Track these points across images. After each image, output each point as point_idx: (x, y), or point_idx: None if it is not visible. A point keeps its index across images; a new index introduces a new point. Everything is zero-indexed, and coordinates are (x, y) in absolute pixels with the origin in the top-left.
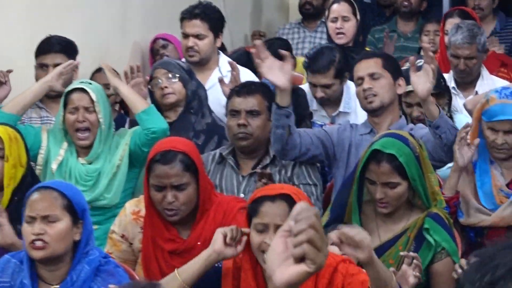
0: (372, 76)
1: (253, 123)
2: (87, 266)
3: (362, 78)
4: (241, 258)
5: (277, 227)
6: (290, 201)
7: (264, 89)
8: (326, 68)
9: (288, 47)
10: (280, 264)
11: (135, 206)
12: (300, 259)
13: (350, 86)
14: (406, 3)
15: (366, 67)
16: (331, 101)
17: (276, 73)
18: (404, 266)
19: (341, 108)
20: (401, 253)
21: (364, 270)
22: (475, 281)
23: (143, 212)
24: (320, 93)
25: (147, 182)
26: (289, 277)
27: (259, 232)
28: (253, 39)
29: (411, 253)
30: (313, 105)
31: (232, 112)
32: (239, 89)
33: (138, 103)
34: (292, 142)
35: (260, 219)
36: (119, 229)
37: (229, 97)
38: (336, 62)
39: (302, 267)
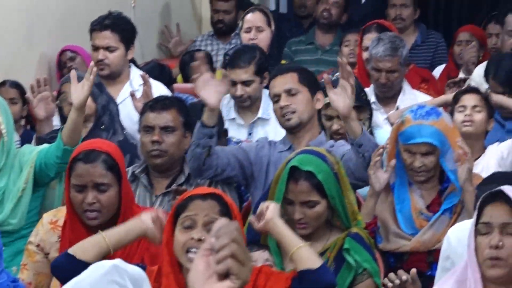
0: (289, 92)
1: (168, 139)
2: None
3: (278, 95)
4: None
5: (206, 223)
6: (221, 201)
7: (179, 104)
8: (247, 63)
9: (210, 59)
10: (204, 283)
11: (53, 216)
12: (224, 275)
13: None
14: (325, 14)
15: (282, 82)
16: (250, 106)
17: (210, 90)
18: None
19: (259, 114)
20: None
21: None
22: None
23: (60, 222)
24: (240, 91)
25: (68, 183)
26: None
27: (185, 229)
28: (165, 37)
29: None
30: (230, 114)
31: (146, 128)
32: (153, 104)
33: (77, 136)
34: (209, 163)
35: (188, 212)
36: (35, 239)
37: (142, 112)
38: (257, 58)
39: (227, 284)
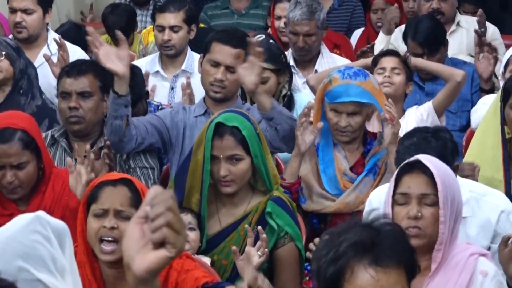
0: (228, 68)
1: (85, 105)
2: None
3: (218, 64)
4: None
5: (117, 212)
6: (131, 186)
7: (96, 68)
8: (177, 9)
9: (132, 19)
10: (139, 251)
11: None
12: (160, 244)
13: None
14: None
15: (229, 55)
16: (174, 58)
17: (114, 60)
18: (248, 247)
19: (183, 67)
20: (245, 226)
21: (199, 267)
22: (321, 258)
23: None
24: (167, 36)
25: None
26: (150, 264)
27: (97, 217)
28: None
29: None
30: (155, 67)
31: (63, 94)
32: (69, 69)
33: None
34: (129, 134)
35: (100, 205)
36: None
37: (59, 78)
38: (187, 8)
39: (163, 252)
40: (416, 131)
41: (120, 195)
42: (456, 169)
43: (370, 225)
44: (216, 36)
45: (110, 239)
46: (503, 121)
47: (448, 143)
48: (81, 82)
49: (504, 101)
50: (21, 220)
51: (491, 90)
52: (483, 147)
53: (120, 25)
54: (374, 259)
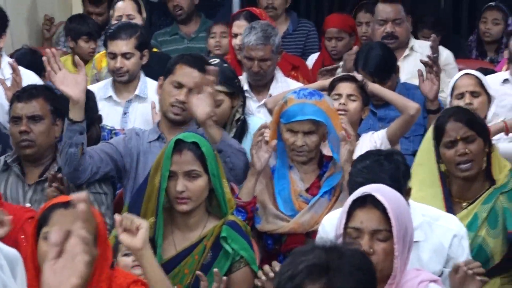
0: (190, 91)
1: (36, 129)
2: None
3: (181, 86)
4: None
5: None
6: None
7: (47, 93)
8: (128, 36)
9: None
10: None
11: None
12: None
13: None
14: (179, 11)
15: (191, 78)
16: (127, 83)
17: (70, 84)
18: None
19: (137, 92)
20: (215, 270)
21: None
22: (282, 274)
23: None
24: (120, 63)
25: None
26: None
27: (47, 240)
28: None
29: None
30: (107, 92)
31: (14, 119)
32: (20, 94)
33: None
34: (84, 163)
35: (51, 224)
36: None
37: (11, 103)
38: (139, 34)
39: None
40: (369, 154)
41: (71, 217)
42: (408, 192)
43: (332, 248)
44: (182, 59)
45: None
46: (439, 159)
47: (400, 166)
48: (31, 106)
49: (437, 139)
50: None
51: (438, 110)
52: (421, 185)
53: (92, 29)
54: (327, 284)
